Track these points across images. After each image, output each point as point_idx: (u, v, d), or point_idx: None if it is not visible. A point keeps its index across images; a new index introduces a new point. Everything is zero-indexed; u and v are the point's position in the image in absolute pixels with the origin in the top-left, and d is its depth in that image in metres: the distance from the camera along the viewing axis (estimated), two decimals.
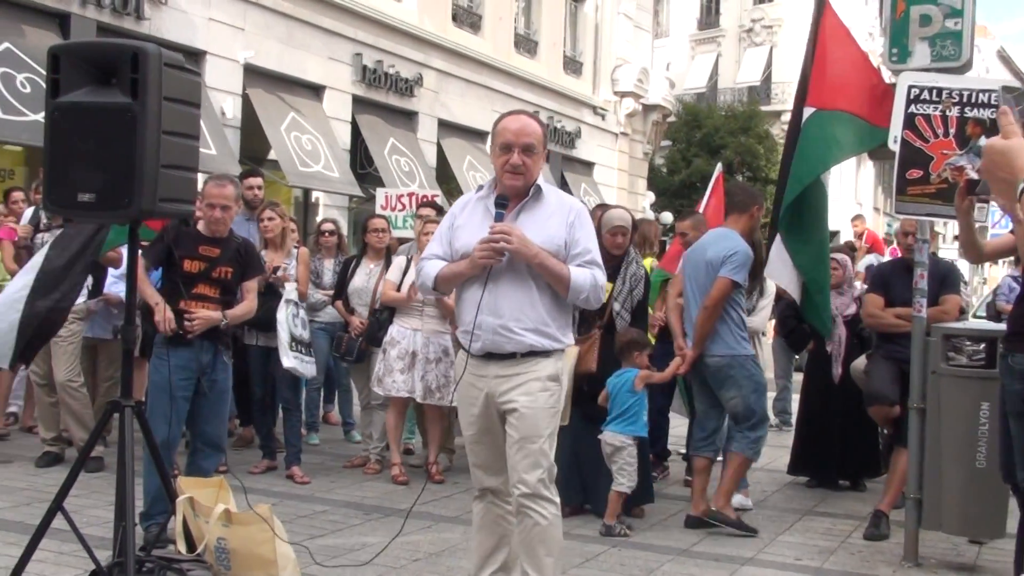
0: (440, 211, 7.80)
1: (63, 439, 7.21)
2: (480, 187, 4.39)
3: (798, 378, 8.57)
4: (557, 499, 4.12)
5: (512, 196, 4.16)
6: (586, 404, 6.15)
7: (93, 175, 3.95)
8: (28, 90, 10.93)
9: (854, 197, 39.19)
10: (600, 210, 6.98)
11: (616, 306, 6.27)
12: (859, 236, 13.79)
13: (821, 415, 7.45)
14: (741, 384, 6.04)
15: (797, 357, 10.20)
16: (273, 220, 7.35)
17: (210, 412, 5.53)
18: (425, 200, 9.03)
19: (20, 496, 6.19)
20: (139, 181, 3.91)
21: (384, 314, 7.35)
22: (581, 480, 6.26)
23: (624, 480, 5.92)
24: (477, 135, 19.90)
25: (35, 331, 4.89)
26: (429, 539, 5.59)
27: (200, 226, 5.59)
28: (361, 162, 16.73)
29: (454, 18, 19.44)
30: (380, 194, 10.15)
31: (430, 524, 5.92)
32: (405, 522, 4.91)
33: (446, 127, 19.13)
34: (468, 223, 4.23)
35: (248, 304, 5.66)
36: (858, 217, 14.57)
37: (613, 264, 6.24)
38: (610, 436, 5.99)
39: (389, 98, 17.57)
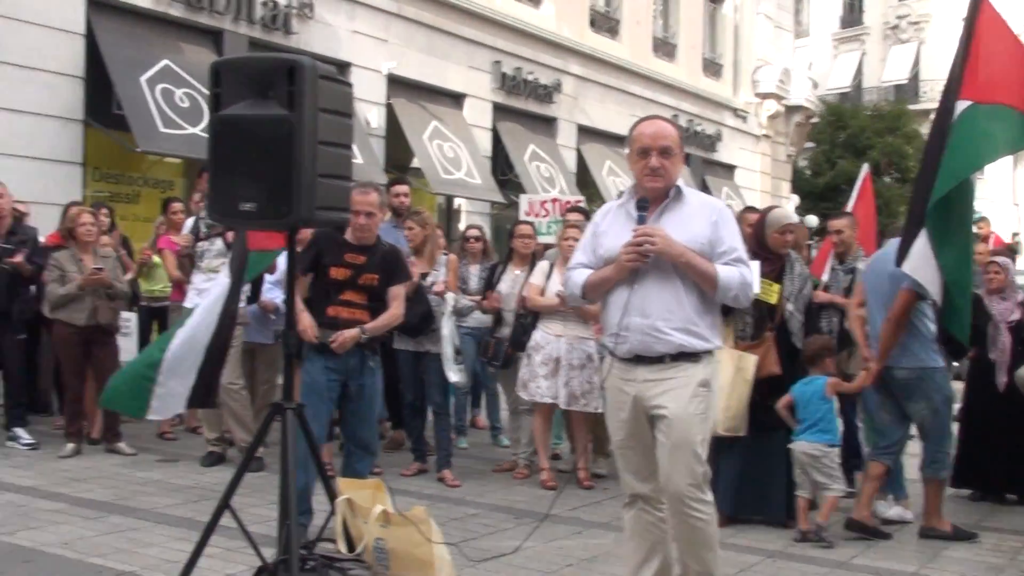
0: (587, 215, 7.80)
1: (225, 439, 7.48)
2: (620, 193, 4.40)
3: (956, 386, 8.22)
4: (711, 496, 4.09)
5: (653, 199, 4.15)
6: (756, 411, 6.02)
7: (254, 185, 4.04)
8: (186, 104, 11.38)
9: (1011, 197, 37.49)
10: (750, 212, 6.85)
11: (789, 307, 6.14)
12: (984, 240, 13.16)
13: (985, 425, 7.13)
14: (931, 396, 5.91)
15: (956, 364, 9.78)
16: (412, 229, 7.44)
17: (360, 416, 5.64)
18: (572, 205, 9.04)
19: (188, 494, 6.45)
20: (297, 190, 3.99)
21: (528, 319, 7.38)
22: (747, 489, 6.14)
23: (834, 485, 5.82)
24: (616, 140, 19.79)
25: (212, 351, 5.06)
26: (580, 544, 5.59)
27: (347, 234, 5.66)
28: (502, 168, 16.86)
29: (592, 23, 19.42)
30: (524, 200, 10.20)
31: (580, 530, 5.91)
32: (540, 524, 4.95)
33: (585, 132, 19.12)
34: (611, 229, 4.24)
35: (393, 311, 5.68)
36: (982, 220, 13.94)
37: (778, 264, 6.14)
38: (806, 446, 5.86)
39: (528, 105, 17.65)
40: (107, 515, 5.85)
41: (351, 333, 5.43)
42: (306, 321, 5.37)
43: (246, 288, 7.16)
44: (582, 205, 9.19)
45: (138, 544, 5.28)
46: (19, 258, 7.65)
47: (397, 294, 5.73)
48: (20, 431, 7.77)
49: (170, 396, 4.98)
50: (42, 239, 8.28)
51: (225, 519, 4.29)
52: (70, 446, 7.56)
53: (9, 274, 7.69)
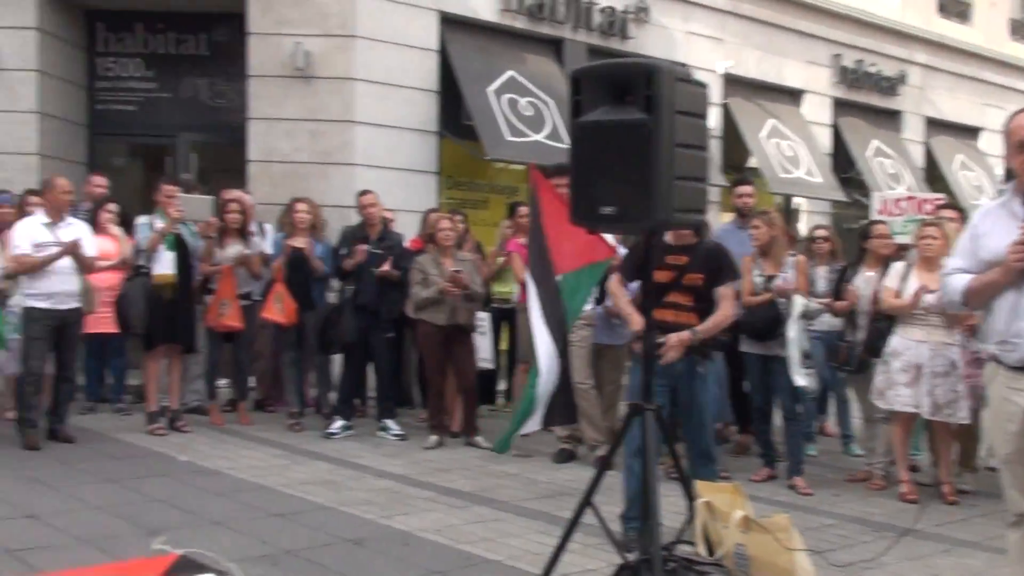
0: (964, 214, 7.36)
1: (575, 437, 7.67)
2: (1001, 191, 4.10)
3: None
4: None
5: None
6: None
7: (613, 189, 4.10)
8: (530, 113, 11.81)
9: None
10: None
11: None
12: None
13: None
14: None
15: None
16: (759, 229, 7.28)
17: (693, 424, 5.55)
18: (942, 203, 8.53)
19: (543, 488, 6.70)
20: (655, 193, 4.00)
21: (884, 323, 7.03)
22: None
23: None
24: (968, 132, 18.50)
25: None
26: (950, 564, 5.26)
27: (668, 236, 5.56)
28: (843, 166, 16.20)
29: (940, 9, 18.22)
30: (876, 198, 9.70)
31: (948, 548, 5.56)
32: (901, 538, 4.66)
33: (934, 125, 17.96)
34: (992, 231, 3.95)
35: (723, 312, 5.51)
36: None
37: None
38: None
39: (871, 98, 16.85)
40: (471, 505, 6.19)
41: (680, 337, 5.35)
42: (637, 324, 5.37)
43: (595, 290, 7.31)
44: (947, 203, 8.64)
45: (501, 534, 5.53)
46: (386, 267, 8.24)
47: (726, 294, 5.54)
48: (390, 423, 8.39)
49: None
50: (405, 244, 8.91)
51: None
52: (433, 438, 8.07)
53: (378, 278, 8.31)
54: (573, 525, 4.43)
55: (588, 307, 7.29)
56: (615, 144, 4.09)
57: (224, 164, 11.71)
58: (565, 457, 7.59)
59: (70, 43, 11.58)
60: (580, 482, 6.74)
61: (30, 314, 7.55)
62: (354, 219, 9.22)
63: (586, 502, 4.41)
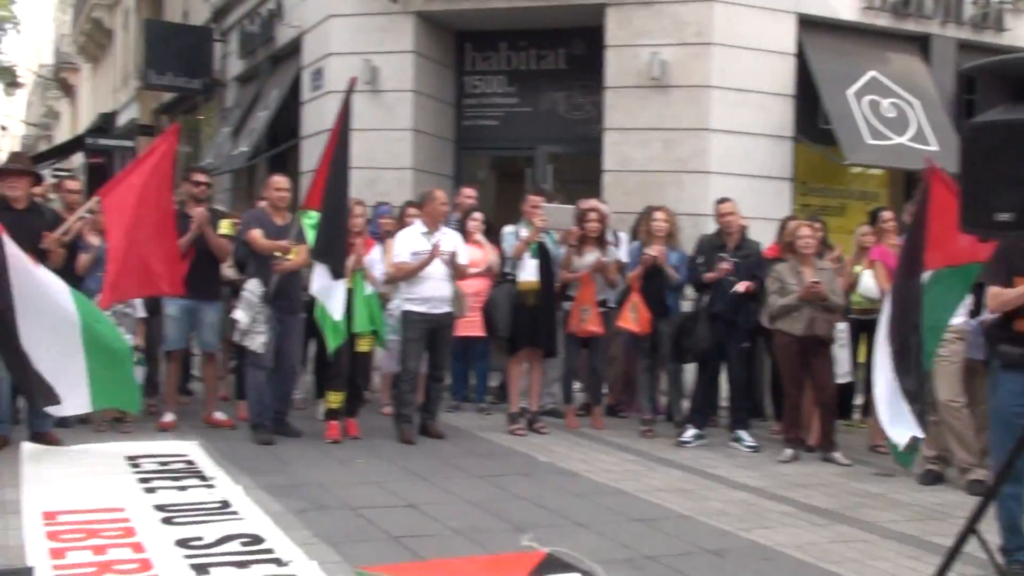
0: None
1: (943, 458, 7.20)
2: None
3: None
4: None
5: None
6: None
7: (1011, 194, 3.84)
8: (893, 115, 11.23)
9: None
10: None
11: None
12: None
13: None
14: None
15: None
16: None
17: None
18: None
19: (908, 511, 6.35)
20: None
21: None
22: None
23: None
24: None
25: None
26: None
27: None
28: None
29: None
30: None
31: None
32: None
33: None
34: None
35: None
36: None
37: None
38: None
39: None
40: (833, 523, 5.96)
41: None
42: None
43: (969, 300, 6.82)
44: None
45: (868, 556, 5.29)
46: (743, 287, 8.16)
47: None
48: (743, 434, 8.26)
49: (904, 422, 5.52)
50: (762, 251, 8.74)
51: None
52: (788, 451, 7.85)
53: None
54: (955, 553, 4.17)
55: (959, 320, 6.83)
56: (1015, 145, 3.83)
57: (580, 174, 12.06)
58: (932, 479, 7.12)
59: (442, 64, 12.44)
60: (948, 506, 6.39)
61: (408, 317, 8.17)
62: (708, 227, 9.18)
63: (970, 529, 4.14)
